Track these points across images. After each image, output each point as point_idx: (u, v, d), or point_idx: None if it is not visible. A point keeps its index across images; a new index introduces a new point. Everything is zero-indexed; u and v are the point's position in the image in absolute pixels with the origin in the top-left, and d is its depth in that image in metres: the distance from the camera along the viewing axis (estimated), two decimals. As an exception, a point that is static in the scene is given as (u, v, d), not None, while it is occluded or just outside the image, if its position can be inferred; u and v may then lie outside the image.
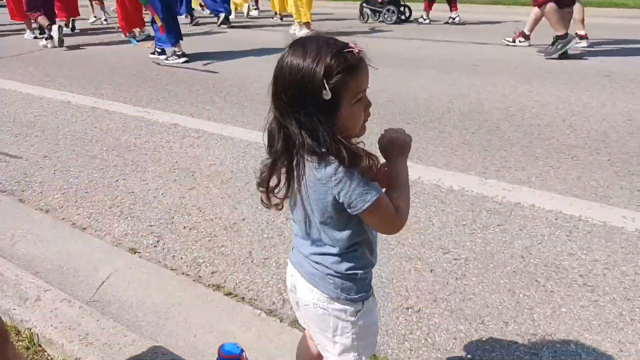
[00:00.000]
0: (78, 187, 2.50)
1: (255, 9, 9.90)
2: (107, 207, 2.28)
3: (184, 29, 5.90)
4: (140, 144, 3.02)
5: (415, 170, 2.43)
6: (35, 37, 7.10)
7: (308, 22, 6.97)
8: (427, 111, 3.43)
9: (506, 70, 4.57)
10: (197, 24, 8.44)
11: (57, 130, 3.31)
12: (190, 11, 8.69)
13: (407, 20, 8.29)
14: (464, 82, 4.15)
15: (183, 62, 5.36)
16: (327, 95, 0.83)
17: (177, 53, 5.48)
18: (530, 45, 5.53)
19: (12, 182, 2.59)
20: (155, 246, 1.95)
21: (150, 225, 2.09)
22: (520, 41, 5.68)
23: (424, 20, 8.05)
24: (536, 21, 5.38)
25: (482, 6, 10.00)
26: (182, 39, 5.62)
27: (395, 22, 7.99)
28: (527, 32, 5.57)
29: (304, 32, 6.80)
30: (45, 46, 6.47)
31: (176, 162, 2.74)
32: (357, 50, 0.86)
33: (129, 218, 2.17)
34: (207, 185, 2.44)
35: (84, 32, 7.93)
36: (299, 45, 0.88)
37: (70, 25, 8.24)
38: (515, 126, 3.08)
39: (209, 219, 2.12)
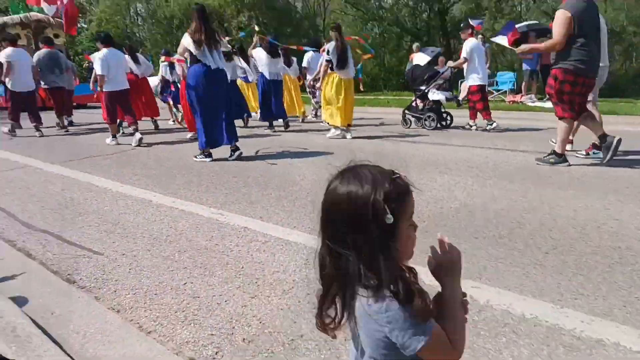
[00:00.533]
0: (148, 288, 2.60)
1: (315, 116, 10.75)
2: (173, 311, 2.34)
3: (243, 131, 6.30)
4: (211, 247, 3.15)
5: (484, 292, 2.33)
6: (117, 142, 7.71)
7: (347, 125, 7.57)
8: (497, 225, 3.34)
9: (577, 183, 4.42)
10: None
11: (137, 229, 3.54)
12: (245, 115, 9.59)
13: (447, 126, 8.50)
14: (535, 194, 4.05)
15: (210, 161, 5.88)
16: (390, 219, 0.86)
17: (205, 152, 5.95)
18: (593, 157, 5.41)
19: (91, 278, 2.75)
20: (213, 358, 1.95)
21: (212, 334, 2.11)
22: (594, 152, 5.53)
23: (470, 127, 8.23)
24: (592, 129, 5.22)
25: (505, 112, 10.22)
26: (217, 145, 6.03)
27: (436, 128, 8.27)
28: (596, 143, 5.38)
29: (349, 136, 7.57)
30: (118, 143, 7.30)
31: (242, 267, 2.81)
32: (403, 175, 0.90)
33: (192, 324, 2.21)
34: (269, 295, 2.46)
35: (167, 130, 8.73)
36: (350, 173, 0.92)
37: (153, 125, 9.21)
38: (592, 247, 2.91)
39: (268, 332, 2.11)
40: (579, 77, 4.85)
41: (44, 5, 12.04)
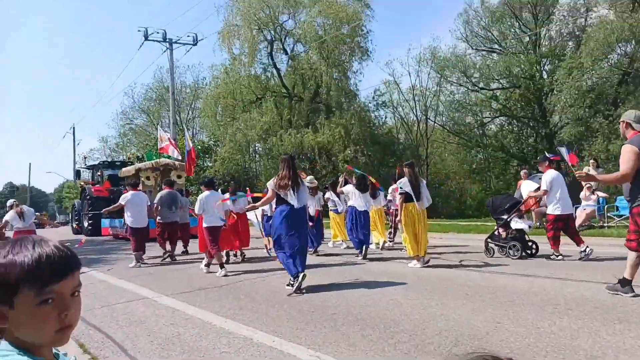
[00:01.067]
0: None
1: (391, 241, 11.19)
2: None
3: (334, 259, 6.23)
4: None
5: None
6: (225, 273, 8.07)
7: (421, 255, 7.81)
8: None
9: None
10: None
11: (235, 371, 3.49)
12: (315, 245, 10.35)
13: (533, 255, 8.31)
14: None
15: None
16: None
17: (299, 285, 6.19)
18: None
19: None
20: None
21: None
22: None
23: (556, 257, 7.92)
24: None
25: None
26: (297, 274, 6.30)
27: (520, 257, 8.10)
28: None
29: (418, 265, 7.78)
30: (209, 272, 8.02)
31: None
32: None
33: None
34: None
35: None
36: None
37: (241, 255, 9.72)
38: None
39: None
40: None
41: (171, 152, 15.30)
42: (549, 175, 8.01)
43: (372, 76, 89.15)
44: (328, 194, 10.93)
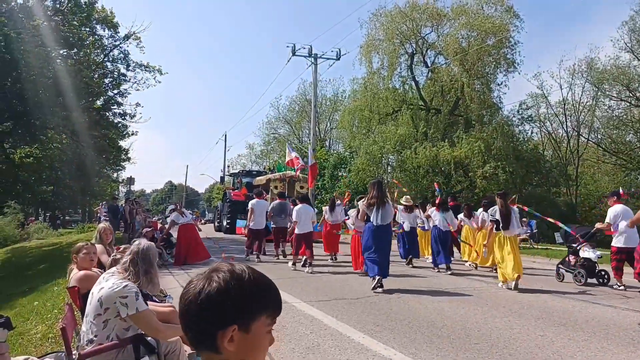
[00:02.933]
0: None
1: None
2: None
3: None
4: None
5: None
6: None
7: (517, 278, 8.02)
8: None
9: None
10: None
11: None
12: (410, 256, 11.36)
13: (604, 284, 8.56)
14: None
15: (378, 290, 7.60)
16: None
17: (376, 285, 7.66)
18: None
19: None
20: None
21: None
22: None
23: (619, 287, 8.20)
24: None
25: None
26: (385, 276, 7.78)
27: (585, 284, 8.47)
28: None
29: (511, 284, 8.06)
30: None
31: None
32: None
33: None
34: None
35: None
36: None
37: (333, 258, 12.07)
38: None
39: None
40: None
41: (295, 166, 17.79)
42: (614, 209, 8.50)
43: (518, 89, 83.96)
44: (416, 212, 11.80)
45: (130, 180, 27.26)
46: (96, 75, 20.29)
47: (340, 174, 35.86)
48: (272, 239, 12.77)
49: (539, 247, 17.56)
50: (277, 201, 12.58)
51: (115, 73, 22.34)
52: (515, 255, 8.13)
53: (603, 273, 8.72)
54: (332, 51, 25.73)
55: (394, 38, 28.66)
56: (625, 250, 8.13)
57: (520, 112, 30.62)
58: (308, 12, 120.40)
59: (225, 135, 47.33)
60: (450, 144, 26.71)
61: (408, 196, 12.15)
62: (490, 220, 8.61)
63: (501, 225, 8.28)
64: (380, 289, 7.59)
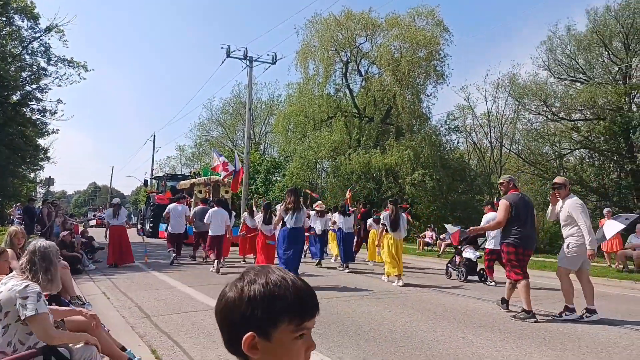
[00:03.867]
0: None
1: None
2: None
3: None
4: None
5: None
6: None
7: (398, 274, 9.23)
8: None
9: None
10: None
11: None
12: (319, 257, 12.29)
13: (483, 281, 9.84)
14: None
15: None
16: None
17: None
18: None
19: None
20: None
21: None
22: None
23: (490, 283, 9.56)
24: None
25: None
26: (295, 273, 8.48)
27: (466, 281, 9.87)
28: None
29: (399, 283, 9.12)
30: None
31: None
32: None
33: None
34: None
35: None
36: None
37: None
38: None
39: None
40: (519, 248, 6.28)
41: (221, 172, 17.84)
42: (487, 216, 9.65)
43: (445, 100, 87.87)
44: (327, 217, 13.06)
45: (49, 181, 25.58)
46: (12, 68, 18.88)
47: (274, 178, 35.73)
48: (192, 242, 13.44)
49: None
50: (200, 206, 13.20)
51: (35, 67, 20.95)
52: (398, 256, 9.36)
53: (482, 271, 10.01)
54: (268, 54, 25.53)
55: (329, 46, 29.12)
56: (496, 251, 9.03)
57: (447, 123, 32.05)
58: (243, 14, 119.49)
59: (154, 136, 45.56)
60: (381, 151, 27.46)
61: (320, 202, 13.65)
62: (382, 224, 9.78)
63: (389, 228, 9.42)
64: None
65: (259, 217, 11.60)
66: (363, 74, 31.25)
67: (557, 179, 6.72)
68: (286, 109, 33.71)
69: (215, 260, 10.61)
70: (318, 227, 12.38)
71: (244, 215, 12.77)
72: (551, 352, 4.67)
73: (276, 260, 9.59)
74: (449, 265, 10.73)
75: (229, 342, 1.06)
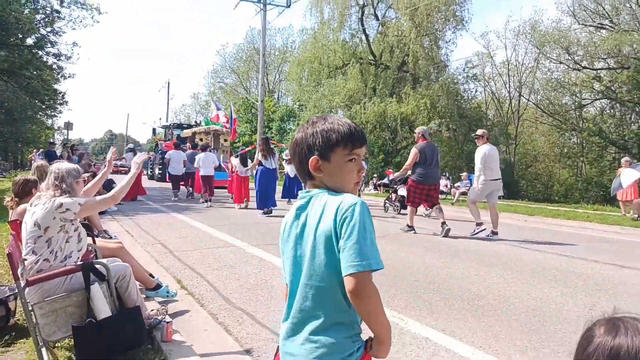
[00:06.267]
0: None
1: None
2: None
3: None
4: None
5: None
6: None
7: None
8: None
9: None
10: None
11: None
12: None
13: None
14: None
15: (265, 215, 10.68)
16: None
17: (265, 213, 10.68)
18: None
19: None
20: None
21: None
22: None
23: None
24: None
25: None
26: (272, 206, 10.88)
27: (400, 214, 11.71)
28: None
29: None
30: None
31: (422, 382, 2.68)
32: None
33: None
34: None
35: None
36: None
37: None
38: None
39: None
40: (419, 185, 8.36)
41: (221, 121, 20.55)
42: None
43: (465, 47, 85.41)
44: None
45: (68, 125, 25.80)
46: (26, 11, 18.69)
47: (288, 127, 35.64)
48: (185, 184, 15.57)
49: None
50: (189, 151, 15.27)
51: (48, 9, 20.71)
52: None
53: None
54: (282, -3, 24.92)
55: (345, -13, 28.20)
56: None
57: (465, 71, 31.33)
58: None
59: (168, 83, 45.43)
60: (397, 100, 27.08)
61: (287, 151, 15.19)
62: None
63: None
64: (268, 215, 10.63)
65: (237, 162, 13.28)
66: (380, 18, 30.39)
67: (478, 131, 8.67)
68: (300, 55, 33.15)
69: (206, 196, 12.89)
70: (291, 172, 13.84)
71: (236, 162, 13.34)
72: (562, 289, 4.81)
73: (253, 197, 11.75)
74: (386, 201, 12.81)
75: (301, 168, 1.43)
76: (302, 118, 31.47)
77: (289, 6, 23.69)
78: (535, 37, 29.60)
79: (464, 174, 20.23)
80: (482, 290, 4.71)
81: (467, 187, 18.35)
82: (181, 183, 15.15)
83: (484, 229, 8.19)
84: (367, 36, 30.53)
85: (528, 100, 33.45)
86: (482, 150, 8.22)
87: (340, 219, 1.28)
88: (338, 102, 28.63)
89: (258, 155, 10.99)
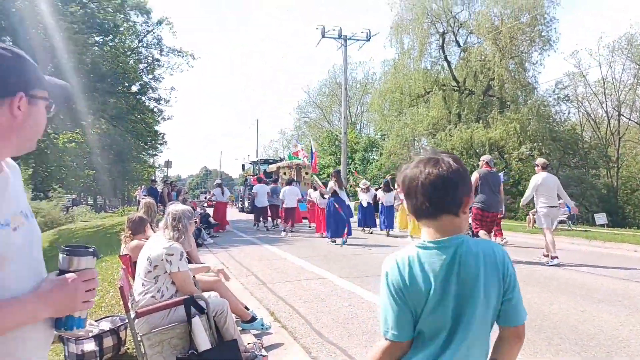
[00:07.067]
0: None
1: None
2: None
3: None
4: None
5: None
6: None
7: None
8: None
9: None
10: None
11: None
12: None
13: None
14: None
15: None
16: None
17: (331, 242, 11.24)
18: None
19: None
20: None
21: None
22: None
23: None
24: None
25: None
26: (335, 237, 11.22)
27: None
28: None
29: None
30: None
31: None
32: None
33: None
34: None
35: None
36: None
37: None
38: None
39: None
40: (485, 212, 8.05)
41: (301, 156, 21.57)
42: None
43: (553, 68, 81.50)
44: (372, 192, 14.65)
45: (168, 164, 28.00)
46: (131, 61, 20.75)
47: (371, 157, 35.76)
48: (270, 216, 16.36)
49: (578, 229, 17.20)
50: (272, 186, 16.10)
51: (150, 58, 22.86)
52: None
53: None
54: (362, 32, 25.50)
55: (424, 17, 28.19)
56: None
57: (556, 92, 29.75)
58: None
59: (257, 121, 47.74)
60: (484, 126, 26.24)
61: (365, 180, 16.03)
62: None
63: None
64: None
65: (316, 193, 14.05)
66: (461, 44, 29.95)
67: (536, 160, 8.97)
68: (381, 86, 33.40)
69: (286, 227, 13.75)
70: (364, 201, 14.26)
71: (315, 194, 14.19)
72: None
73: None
74: None
75: (450, 202, 1.34)
76: (384, 147, 31.43)
77: (368, 40, 24.17)
78: (633, 52, 27.56)
79: (561, 201, 18.99)
80: (590, 328, 4.35)
81: (565, 215, 17.22)
82: (267, 214, 16.17)
83: (557, 262, 7.97)
84: (449, 63, 30.16)
85: (629, 119, 30.94)
86: (536, 178, 8.42)
87: (502, 270, 1.32)
88: (421, 130, 28.34)
89: (334, 186, 11.38)
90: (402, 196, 13.21)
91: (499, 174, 9.83)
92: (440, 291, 1.30)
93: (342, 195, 11.41)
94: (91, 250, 1.26)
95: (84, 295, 1.19)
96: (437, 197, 1.33)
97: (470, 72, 28.29)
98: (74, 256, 1.22)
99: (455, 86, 29.52)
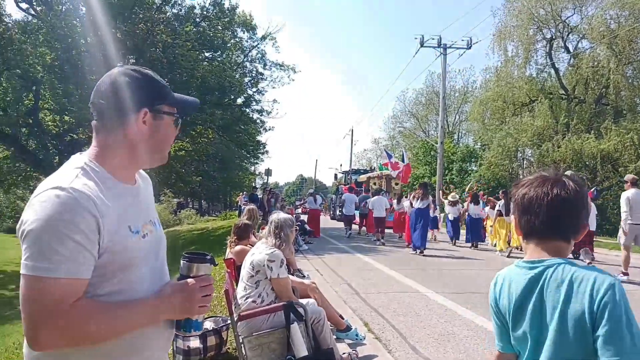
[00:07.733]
0: None
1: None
2: None
3: None
4: None
5: None
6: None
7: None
8: None
9: None
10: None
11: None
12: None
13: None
14: None
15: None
16: None
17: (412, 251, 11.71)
18: None
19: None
20: None
21: None
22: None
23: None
24: None
25: None
26: (420, 246, 11.34)
27: None
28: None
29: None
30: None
31: None
32: None
33: None
34: None
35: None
36: None
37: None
38: None
39: None
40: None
41: (389, 168, 20.33)
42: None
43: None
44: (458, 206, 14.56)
45: (268, 172, 29.40)
46: (237, 75, 22.00)
47: (469, 168, 34.56)
48: (357, 223, 17.27)
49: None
50: (347, 194, 16.89)
51: (254, 72, 24.11)
52: (507, 234, 11.43)
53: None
54: (462, 40, 24.85)
55: (530, 23, 26.76)
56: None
57: (684, 99, 26.69)
58: (438, 2, 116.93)
59: (352, 130, 48.11)
60: (596, 136, 24.26)
61: (454, 193, 15.79)
62: (497, 210, 12.06)
63: (504, 212, 11.60)
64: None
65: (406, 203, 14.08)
66: (571, 50, 27.99)
67: (625, 177, 8.95)
68: (482, 95, 32.18)
69: (379, 235, 13.96)
70: (451, 215, 14.34)
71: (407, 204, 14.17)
72: None
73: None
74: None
75: (569, 225, 1.32)
76: (484, 158, 30.21)
77: (469, 47, 23.51)
78: None
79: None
80: None
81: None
82: (354, 222, 16.80)
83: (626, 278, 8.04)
84: (556, 70, 28.31)
85: None
86: (626, 194, 8.34)
87: (598, 302, 1.18)
88: (525, 140, 26.81)
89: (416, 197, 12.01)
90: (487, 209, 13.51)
91: (591, 189, 9.87)
92: (517, 311, 1.31)
93: (421, 204, 11.63)
94: (209, 257, 1.36)
95: (201, 300, 1.28)
96: (558, 221, 1.31)
97: (580, 79, 26.32)
98: (194, 263, 1.33)
99: (563, 94, 27.63)
